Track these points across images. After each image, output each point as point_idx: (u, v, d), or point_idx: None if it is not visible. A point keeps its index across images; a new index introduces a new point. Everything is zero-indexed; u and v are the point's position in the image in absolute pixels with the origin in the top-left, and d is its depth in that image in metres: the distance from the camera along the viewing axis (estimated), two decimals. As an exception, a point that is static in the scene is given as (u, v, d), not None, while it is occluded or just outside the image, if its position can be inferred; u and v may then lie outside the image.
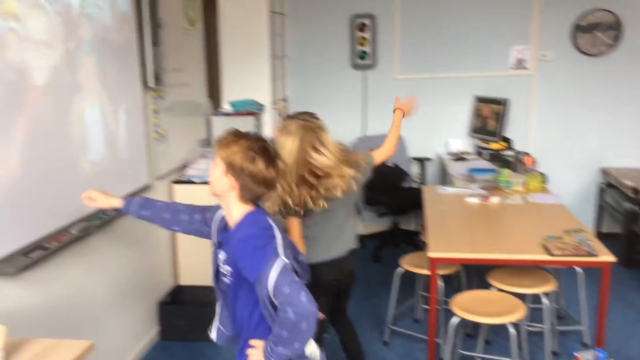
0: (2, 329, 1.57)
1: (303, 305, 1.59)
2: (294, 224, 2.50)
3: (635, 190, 4.36)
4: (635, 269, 4.45)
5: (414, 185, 5.27)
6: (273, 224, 1.80)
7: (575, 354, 1.92)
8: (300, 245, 2.47)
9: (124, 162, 3.14)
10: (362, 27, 5.37)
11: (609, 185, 4.97)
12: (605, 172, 5.07)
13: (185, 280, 3.87)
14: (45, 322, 2.42)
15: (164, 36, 3.56)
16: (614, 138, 5.11)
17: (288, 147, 2.39)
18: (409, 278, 3.54)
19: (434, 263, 2.87)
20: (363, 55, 5.39)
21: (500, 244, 2.99)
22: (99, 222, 2.79)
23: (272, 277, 1.63)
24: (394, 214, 5.13)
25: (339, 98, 5.47)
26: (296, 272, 1.78)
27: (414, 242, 4.85)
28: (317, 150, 2.40)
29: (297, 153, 2.39)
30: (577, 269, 3.29)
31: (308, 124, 2.45)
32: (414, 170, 5.38)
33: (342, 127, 5.39)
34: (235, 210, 1.80)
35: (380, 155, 2.92)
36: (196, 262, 3.78)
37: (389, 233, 5.23)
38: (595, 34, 4.99)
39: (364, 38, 5.38)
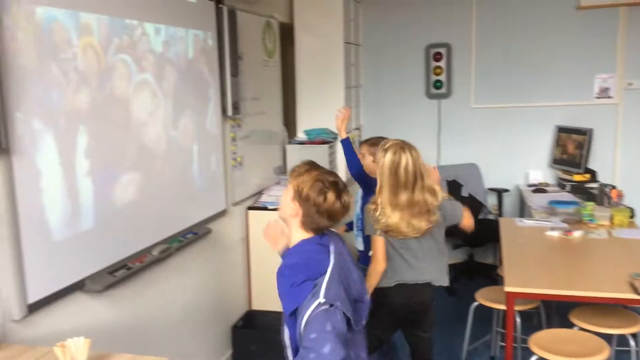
0: (86, 343, 1.65)
1: (324, 357, 1.59)
2: (379, 243, 2.64)
3: None
4: None
5: (491, 217, 5.12)
6: (332, 257, 1.78)
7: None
8: (381, 264, 2.62)
9: (204, 187, 3.26)
10: (437, 57, 5.35)
11: None
12: (701, 208, 4.71)
13: (258, 305, 3.93)
14: (125, 338, 2.53)
15: (243, 67, 3.70)
16: None
17: (403, 163, 2.57)
18: (485, 313, 3.42)
19: (510, 298, 2.76)
20: (438, 84, 5.36)
21: (583, 280, 2.83)
22: (178, 244, 2.90)
23: (304, 318, 1.64)
24: (469, 245, 5.00)
25: (413, 127, 5.43)
26: (347, 316, 1.71)
27: (490, 275, 4.68)
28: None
29: (414, 166, 2.58)
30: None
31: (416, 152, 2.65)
32: (490, 201, 5.23)
33: (416, 156, 5.38)
34: (295, 236, 1.86)
35: (466, 221, 2.93)
36: (269, 287, 3.83)
37: (464, 265, 5.09)
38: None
39: (439, 67, 5.36)
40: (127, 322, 2.57)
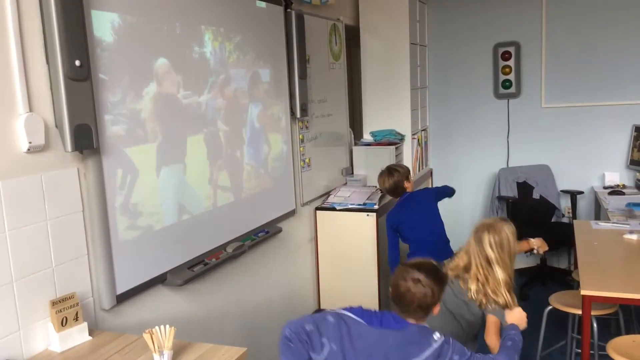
0: (172, 331, 1.74)
1: None
2: (493, 323, 2.34)
3: None
4: None
5: (564, 220, 4.96)
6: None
7: None
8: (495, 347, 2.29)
9: (275, 188, 3.35)
10: (506, 56, 5.24)
11: None
12: None
13: (326, 304, 3.98)
14: (201, 330, 2.63)
15: (310, 70, 3.77)
16: None
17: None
18: (560, 318, 3.32)
19: (587, 301, 2.67)
20: (507, 84, 5.25)
21: (667, 285, 2.71)
22: (250, 242, 2.99)
23: None
24: (541, 250, 4.84)
25: (481, 128, 5.36)
26: None
27: (564, 281, 4.54)
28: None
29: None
30: None
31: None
32: (563, 204, 5.06)
33: (485, 158, 5.30)
34: None
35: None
36: (337, 287, 3.88)
37: (536, 270, 4.95)
38: None
39: (507, 66, 5.24)
40: (202, 315, 2.68)
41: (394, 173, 3.45)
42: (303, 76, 3.64)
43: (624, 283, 2.73)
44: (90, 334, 1.95)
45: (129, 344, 1.90)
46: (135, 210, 2.23)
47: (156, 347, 1.71)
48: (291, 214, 3.57)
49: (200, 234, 2.63)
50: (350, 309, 1.87)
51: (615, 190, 4.63)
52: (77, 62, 1.90)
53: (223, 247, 2.79)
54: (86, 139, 1.96)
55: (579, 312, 2.99)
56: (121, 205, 2.16)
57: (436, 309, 1.90)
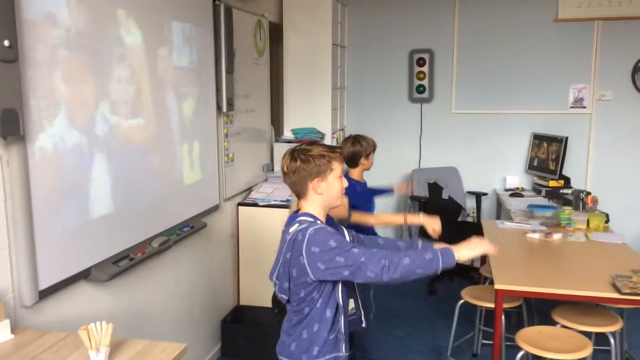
0: (109, 327, 1.67)
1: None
2: None
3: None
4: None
5: (469, 220, 5.27)
6: None
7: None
8: None
9: (201, 182, 3.28)
10: (420, 62, 5.48)
11: (671, 229, 4.87)
12: (666, 215, 4.97)
13: (245, 300, 3.96)
14: (124, 327, 2.53)
15: (236, 64, 3.73)
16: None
17: None
18: (466, 312, 3.53)
19: (500, 295, 2.87)
20: (421, 89, 5.49)
21: (566, 280, 2.96)
22: (176, 236, 2.91)
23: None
24: (448, 247, 5.10)
25: (396, 130, 5.56)
26: None
27: (470, 276, 4.83)
28: None
29: None
30: (644, 310, 3.23)
31: None
32: (469, 204, 5.38)
33: (399, 158, 5.49)
34: None
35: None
36: (257, 284, 3.87)
37: (443, 266, 5.20)
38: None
39: (422, 72, 5.49)
40: (127, 311, 2.59)
41: (357, 143, 3.33)
42: (230, 70, 3.59)
43: (531, 278, 2.96)
44: (12, 332, 1.82)
45: (58, 341, 1.79)
46: (61, 202, 2.11)
47: (93, 344, 1.63)
48: (214, 209, 3.51)
49: (125, 229, 2.52)
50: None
51: (515, 193, 4.99)
52: (6, 42, 1.77)
53: (148, 241, 2.69)
54: (12, 125, 1.83)
55: (489, 305, 3.21)
56: (46, 196, 2.03)
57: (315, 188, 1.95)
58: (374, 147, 3.40)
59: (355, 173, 3.37)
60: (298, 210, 2.02)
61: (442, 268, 1.88)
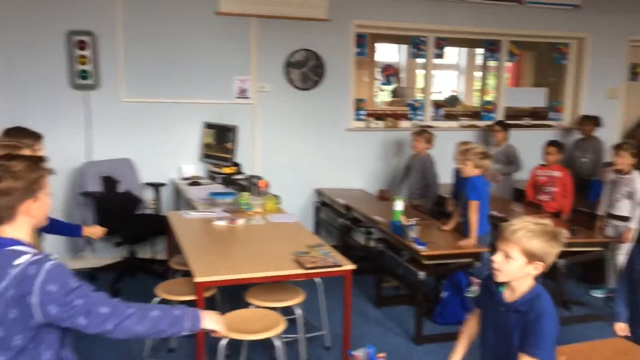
0: None
1: None
2: None
3: (347, 207, 5.07)
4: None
5: (149, 212, 5.12)
6: None
7: (353, 352, 2.17)
8: None
9: None
10: (82, 45, 5.01)
11: (324, 204, 5.67)
12: (319, 192, 5.76)
13: None
14: None
15: None
16: (326, 162, 5.85)
17: None
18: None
19: (200, 288, 2.87)
20: (84, 74, 5.03)
21: (257, 263, 3.14)
22: None
23: None
24: (129, 243, 4.88)
25: (57, 119, 4.98)
26: None
27: (153, 270, 4.71)
28: None
29: None
30: (317, 280, 3.66)
31: None
32: (148, 196, 5.22)
33: (63, 151, 4.91)
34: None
35: None
36: None
37: (125, 263, 4.95)
38: (304, 70, 5.66)
39: (84, 56, 5.03)
40: None
41: None
42: None
43: (225, 266, 3.06)
44: None
45: None
46: None
47: None
48: None
49: None
50: None
51: (194, 182, 5.06)
52: None
53: None
54: None
55: (188, 298, 3.18)
56: None
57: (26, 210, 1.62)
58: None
59: None
60: None
61: (188, 329, 1.78)
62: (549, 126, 6.73)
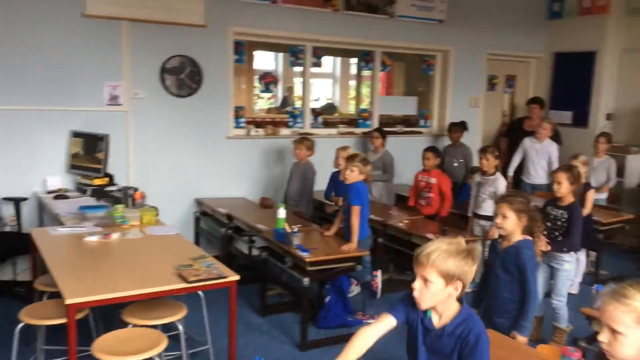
0: None
1: None
2: None
3: (228, 217, 4.97)
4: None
5: (8, 229, 4.65)
6: None
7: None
8: None
9: None
10: None
11: (204, 214, 5.52)
12: (200, 202, 5.60)
13: None
14: None
15: None
16: (206, 170, 5.69)
17: None
18: (21, 335, 3.07)
19: (72, 310, 2.64)
20: None
21: (135, 279, 2.96)
22: None
23: None
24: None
25: None
26: None
27: (15, 293, 4.28)
28: None
29: None
30: (200, 293, 3.53)
31: None
32: (6, 212, 4.73)
33: None
34: None
35: None
36: None
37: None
38: (181, 77, 5.48)
39: None
40: None
41: None
42: None
43: (98, 285, 2.84)
44: None
45: None
46: None
47: None
48: None
49: None
50: None
51: (60, 195, 4.69)
52: None
53: None
54: None
55: (57, 322, 2.92)
56: None
57: None
58: None
59: None
60: None
61: None
62: (420, 133, 7.12)
